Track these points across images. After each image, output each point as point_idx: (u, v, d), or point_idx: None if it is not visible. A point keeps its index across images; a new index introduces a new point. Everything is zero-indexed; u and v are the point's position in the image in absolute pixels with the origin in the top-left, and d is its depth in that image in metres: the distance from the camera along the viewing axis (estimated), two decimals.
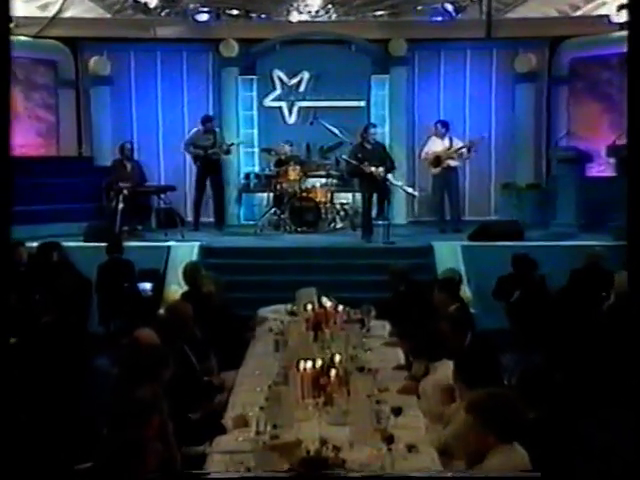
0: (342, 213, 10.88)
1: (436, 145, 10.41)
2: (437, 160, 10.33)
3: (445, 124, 10.50)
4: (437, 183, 10.44)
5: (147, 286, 8.01)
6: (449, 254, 8.61)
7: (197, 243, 9.02)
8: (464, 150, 10.32)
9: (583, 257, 7.49)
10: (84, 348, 6.32)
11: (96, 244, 8.43)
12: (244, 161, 12.07)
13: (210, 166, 10.54)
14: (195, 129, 10.79)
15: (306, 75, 11.79)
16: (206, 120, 10.72)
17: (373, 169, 9.29)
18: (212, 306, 5.79)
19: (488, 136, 11.70)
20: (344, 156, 9.85)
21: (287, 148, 11.08)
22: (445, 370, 4.06)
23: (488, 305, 7.55)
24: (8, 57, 2.12)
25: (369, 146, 9.53)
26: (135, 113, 11.86)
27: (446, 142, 10.36)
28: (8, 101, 2.15)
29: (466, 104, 11.92)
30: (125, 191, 9.73)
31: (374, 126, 9.93)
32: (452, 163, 10.33)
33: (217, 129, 10.87)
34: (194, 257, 8.56)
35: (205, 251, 8.96)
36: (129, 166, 10.23)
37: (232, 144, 10.81)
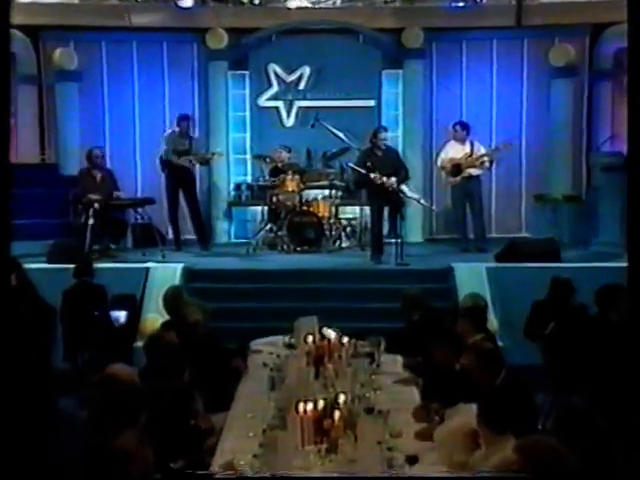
0: (348, 230, 10.95)
1: (455, 151, 10.47)
2: (456, 168, 10.38)
3: (465, 126, 10.58)
4: (457, 195, 10.50)
5: (121, 314, 8.04)
6: (472, 277, 8.64)
7: (180, 264, 9.07)
8: (486, 159, 10.37)
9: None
10: (47, 387, 6.33)
11: (62, 265, 8.47)
12: (234, 169, 12.17)
13: (181, 176, 10.57)
14: (170, 130, 10.86)
15: (307, 70, 11.90)
16: (181, 120, 10.74)
17: (384, 179, 9.36)
18: (197, 338, 5.82)
19: (519, 140, 11.80)
20: (350, 164, 9.93)
21: (284, 155, 11.17)
22: (463, 415, 4.07)
23: (518, 337, 7.57)
24: (8, 57, 2.23)
25: (380, 152, 9.61)
26: (107, 114, 11.96)
27: (467, 147, 10.43)
28: (8, 103, 2.24)
29: (493, 103, 12.02)
30: (96, 204, 9.76)
31: (385, 129, 10.02)
32: (474, 172, 10.39)
33: (193, 134, 10.95)
34: (176, 281, 8.60)
35: (189, 274, 9.00)
36: (99, 176, 10.21)
37: (213, 154, 10.80)
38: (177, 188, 10.63)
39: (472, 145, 10.44)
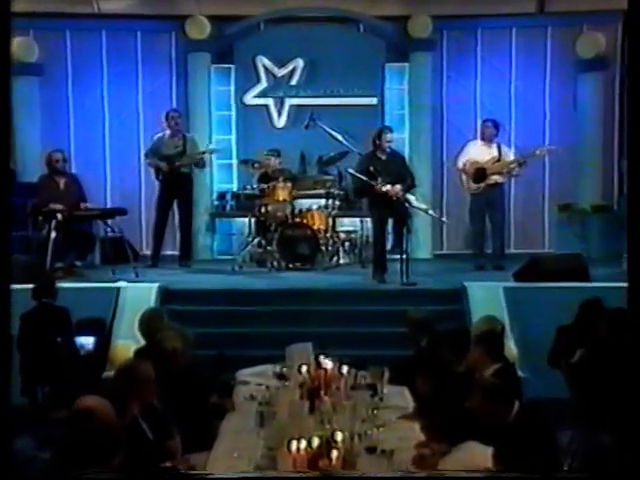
0: (347, 244, 11.00)
1: (480, 153, 10.41)
2: (480, 173, 10.38)
3: (497, 125, 10.54)
4: (477, 204, 10.46)
5: (88, 341, 8.04)
6: (488, 299, 8.67)
7: (156, 284, 9.08)
8: (515, 166, 10.33)
9: None
10: (3, 426, 6.34)
11: (19, 286, 8.48)
12: (218, 176, 12.24)
13: (178, 183, 10.62)
14: (160, 133, 10.87)
15: (300, 64, 12.00)
16: (166, 116, 10.73)
17: (388, 187, 9.36)
18: (176, 367, 5.83)
19: (541, 143, 11.86)
20: (350, 170, 9.93)
21: (275, 159, 11.22)
22: (469, 454, 4.09)
23: (541, 367, 7.60)
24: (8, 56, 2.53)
25: (383, 156, 9.62)
26: (72, 112, 12.02)
27: (494, 150, 10.41)
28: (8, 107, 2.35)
29: (511, 101, 12.13)
30: (59, 215, 9.73)
31: (390, 130, 9.94)
32: (499, 179, 10.37)
33: (187, 134, 10.99)
34: (152, 302, 8.61)
35: (167, 294, 9.02)
36: (62, 183, 10.15)
37: (204, 152, 10.87)
38: (171, 197, 10.67)
39: (499, 148, 10.44)
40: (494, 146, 10.43)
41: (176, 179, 10.56)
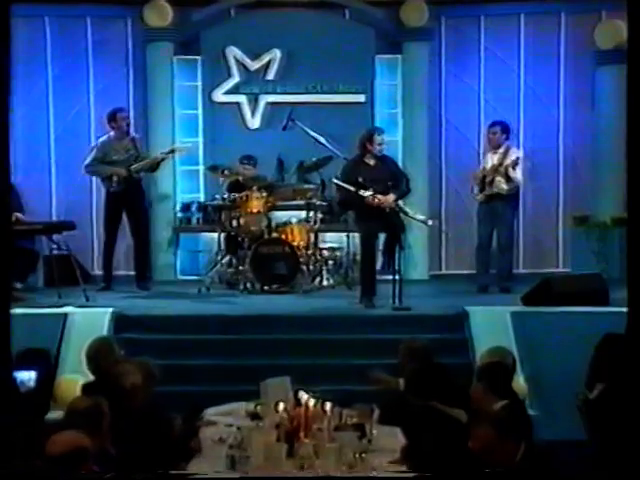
0: (331, 263, 11.01)
1: (487, 160, 10.63)
2: (483, 181, 10.47)
3: (505, 128, 10.65)
4: (480, 216, 10.62)
5: (30, 375, 8.02)
6: (493, 326, 8.69)
7: (109, 309, 9.06)
8: (516, 167, 10.40)
9: None
10: None
11: None
12: (182, 185, 12.22)
13: (128, 192, 10.61)
14: (105, 137, 10.84)
15: (277, 55, 12.02)
16: (113, 117, 10.71)
17: (379, 197, 9.38)
18: (134, 406, 5.83)
19: (555, 146, 11.96)
20: (334, 179, 9.90)
21: (248, 165, 11.23)
22: None
23: (553, 403, 7.65)
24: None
25: (373, 162, 9.63)
26: (11, 112, 11.97)
27: (499, 156, 10.50)
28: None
29: (520, 98, 12.20)
30: None
31: (382, 131, 9.95)
32: (500, 189, 10.42)
33: (136, 134, 10.98)
34: (104, 331, 8.60)
35: (122, 321, 8.98)
36: None
37: (171, 152, 10.78)
38: (120, 208, 10.64)
39: (506, 153, 10.51)
40: (501, 151, 10.52)
41: (126, 187, 10.53)
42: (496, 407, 5.54)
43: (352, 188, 9.40)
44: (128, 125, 10.74)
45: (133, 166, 10.54)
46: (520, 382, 7.79)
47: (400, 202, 9.53)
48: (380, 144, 9.61)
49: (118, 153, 10.60)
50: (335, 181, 9.78)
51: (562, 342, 8.19)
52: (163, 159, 10.78)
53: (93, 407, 5.11)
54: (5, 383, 6.46)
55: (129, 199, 10.63)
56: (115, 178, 10.50)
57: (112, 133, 10.69)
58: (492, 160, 10.51)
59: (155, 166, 10.80)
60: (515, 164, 10.40)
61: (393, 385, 6.59)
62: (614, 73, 11.81)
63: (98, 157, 10.66)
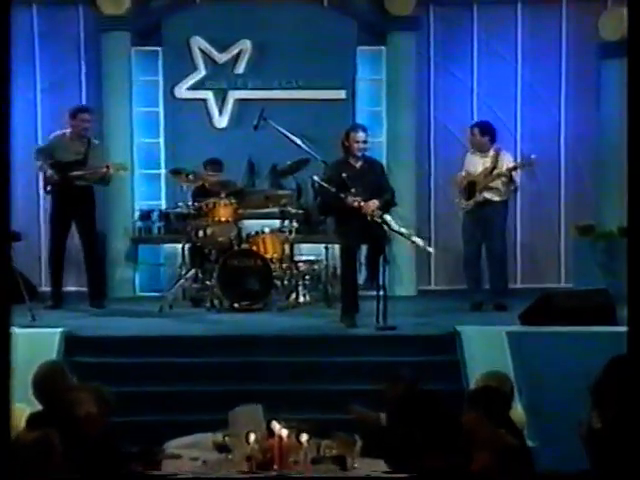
0: (308, 278, 11.00)
1: (473, 164, 10.63)
2: (470, 189, 10.52)
3: (486, 129, 10.68)
4: (469, 226, 10.64)
5: None
6: (488, 347, 8.68)
7: (59, 330, 9.02)
8: (503, 179, 10.42)
9: None
10: None
11: None
12: (141, 191, 12.18)
13: (74, 199, 10.54)
14: (59, 132, 10.77)
15: (247, 46, 12.02)
16: (74, 115, 10.63)
17: (361, 204, 9.38)
18: (88, 439, 5.81)
19: (555, 148, 11.99)
20: (316, 177, 9.87)
21: (215, 169, 11.22)
22: None
23: (555, 433, 7.66)
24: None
25: (357, 164, 9.62)
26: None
27: (488, 160, 10.57)
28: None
29: (517, 96, 12.24)
30: None
31: (364, 129, 9.88)
32: (492, 196, 10.46)
33: (95, 140, 10.93)
34: (53, 354, 8.56)
35: (73, 343, 8.94)
36: None
37: (107, 168, 10.55)
38: (67, 217, 10.58)
39: (497, 157, 10.56)
40: (490, 154, 10.57)
41: (71, 194, 10.47)
42: (491, 439, 5.57)
43: (333, 189, 9.42)
44: (86, 128, 10.69)
45: (74, 172, 10.46)
46: (518, 410, 7.79)
47: (386, 215, 9.54)
48: (359, 142, 9.59)
49: (66, 153, 10.52)
50: (315, 179, 9.78)
51: (564, 365, 8.19)
52: (106, 174, 10.62)
53: (42, 440, 5.08)
54: None
55: (76, 207, 10.55)
56: (52, 180, 10.45)
57: (68, 131, 10.64)
58: (481, 164, 10.54)
59: (99, 180, 10.63)
60: (514, 169, 10.44)
61: (373, 420, 6.58)
62: (621, 67, 11.86)
63: (44, 150, 10.63)
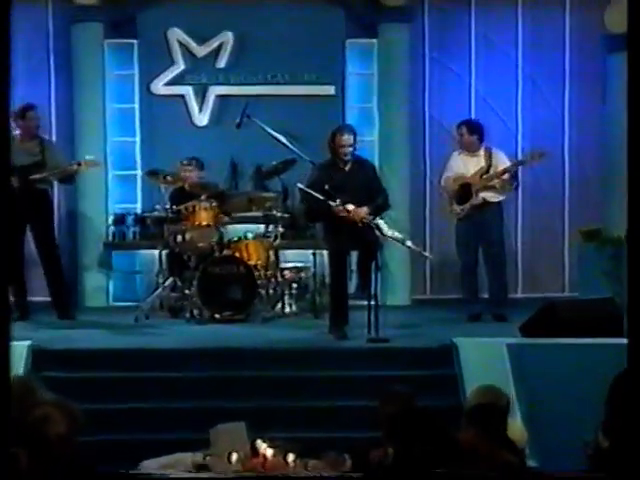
0: (295, 286, 11.01)
1: (463, 165, 10.65)
2: (464, 191, 10.54)
3: (475, 127, 10.72)
4: (465, 232, 10.63)
5: None
6: (486, 360, 8.69)
7: (26, 343, 9.00)
8: (506, 177, 10.47)
9: None
10: None
11: None
12: (115, 193, 12.16)
13: (31, 203, 10.48)
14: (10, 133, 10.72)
15: (229, 39, 12.02)
16: (22, 115, 10.59)
17: (351, 208, 9.38)
18: (59, 459, 5.80)
19: (559, 148, 12.00)
20: (300, 185, 9.88)
21: (195, 170, 11.20)
22: None
23: (557, 453, 7.67)
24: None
25: (345, 167, 9.58)
26: None
27: (480, 160, 10.61)
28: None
29: (518, 92, 12.27)
30: None
31: (351, 130, 9.81)
32: (491, 197, 10.53)
33: (45, 137, 10.92)
34: (20, 369, 8.54)
35: (41, 357, 8.90)
36: None
37: (80, 164, 10.65)
38: (23, 224, 10.56)
39: (490, 156, 10.60)
40: (481, 154, 10.61)
41: (28, 198, 10.41)
42: (489, 457, 5.59)
43: (320, 196, 9.41)
44: (37, 127, 10.69)
45: (33, 175, 10.44)
46: (518, 428, 7.81)
47: (379, 220, 9.53)
48: (344, 145, 9.51)
49: (21, 157, 10.44)
50: (300, 186, 9.77)
51: (569, 380, 8.21)
52: (76, 171, 10.63)
53: (9, 461, 5.08)
54: None
55: (29, 211, 10.50)
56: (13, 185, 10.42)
57: (17, 132, 10.59)
58: (472, 165, 10.58)
59: (66, 178, 10.69)
60: (521, 163, 10.60)
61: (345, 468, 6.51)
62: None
63: None
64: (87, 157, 10.88)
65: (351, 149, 9.59)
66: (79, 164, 10.60)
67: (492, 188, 10.51)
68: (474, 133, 10.65)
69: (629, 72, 3.53)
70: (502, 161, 10.61)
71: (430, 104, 12.26)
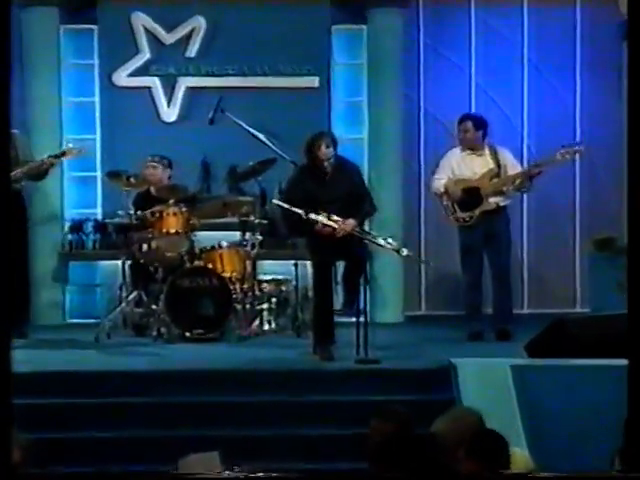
0: (274, 301, 11.01)
1: (466, 166, 10.62)
2: (471, 196, 10.50)
3: (481, 122, 10.72)
4: (470, 241, 10.60)
5: None
6: (489, 383, 8.68)
7: None
8: (523, 180, 10.47)
9: None
10: None
11: None
12: (72, 197, 12.14)
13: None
14: None
15: (201, 25, 12.03)
16: None
17: (335, 227, 9.33)
18: None
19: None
20: (276, 200, 9.78)
21: (162, 170, 11.19)
22: None
23: None
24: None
25: (324, 176, 9.61)
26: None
27: (487, 160, 10.58)
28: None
29: (524, 84, 12.32)
30: None
31: (331, 137, 9.62)
32: (502, 201, 10.52)
33: (16, 130, 10.92)
34: None
35: None
36: None
37: (62, 154, 10.61)
38: None
39: (496, 155, 10.58)
40: (486, 153, 10.61)
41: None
42: None
43: (299, 211, 9.40)
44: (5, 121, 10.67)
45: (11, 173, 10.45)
46: (523, 458, 7.82)
47: (368, 227, 9.53)
48: (326, 158, 9.45)
49: None
50: (276, 202, 9.75)
51: (579, 405, 8.23)
52: (52, 164, 10.64)
53: None
54: None
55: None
56: None
57: None
58: (480, 165, 10.55)
59: (43, 173, 10.68)
60: (520, 180, 10.46)
61: None
62: None
63: None
64: (69, 145, 10.91)
65: (332, 159, 9.51)
66: (64, 153, 10.59)
67: (502, 192, 10.52)
68: (480, 129, 10.64)
69: (629, 71, 3.63)
70: (510, 161, 10.63)
71: (425, 98, 12.29)
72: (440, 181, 10.65)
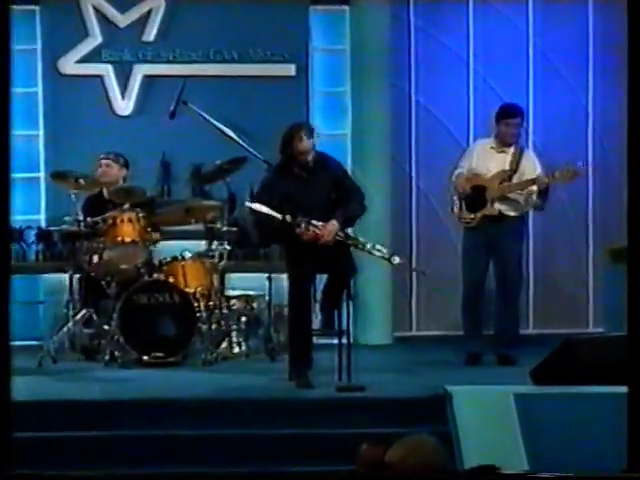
0: (245, 320, 11.07)
1: (484, 160, 10.68)
2: (476, 195, 10.58)
3: (516, 111, 10.72)
4: (473, 245, 10.71)
5: None
6: (489, 413, 8.71)
7: None
8: (534, 189, 10.49)
9: None
10: None
11: None
12: (13, 201, 12.12)
13: None
14: None
15: (160, 4, 12.10)
16: None
17: (316, 233, 9.40)
18: None
19: (583, 151, 12.09)
20: (249, 203, 9.80)
21: (115, 170, 11.24)
22: None
23: None
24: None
25: (304, 173, 9.62)
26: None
27: (506, 159, 10.62)
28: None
29: (529, 72, 12.42)
30: None
31: (310, 130, 9.70)
32: (508, 210, 10.58)
33: None
34: None
35: None
36: None
37: None
38: None
39: (519, 157, 10.65)
40: (510, 151, 10.67)
41: None
42: None
43: (278, 216, 9.44)
44: None
45: None
46: None
47: (349, 229, 9.56)
48: (306, 152, 9.52)
49: None
50: (249, 205, 9.79)
51: (591, 437, 8.31)
52: None
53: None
54: None
55: None
56: None
57: None
58: (496, 164, 10.61)
59: None
60: (532, 187, 10.50)
61: None
62: None
63: None
64: None
65: (312, 153, 9.59)
66: None
67: (510, 200, 10.56)
68: (515, 115, 10.71)
69: (629, 72, 3.79)
70: (530, 168, 10.65)
71: (417, 87, 12.34)
72: (458, 171, 10.74)
